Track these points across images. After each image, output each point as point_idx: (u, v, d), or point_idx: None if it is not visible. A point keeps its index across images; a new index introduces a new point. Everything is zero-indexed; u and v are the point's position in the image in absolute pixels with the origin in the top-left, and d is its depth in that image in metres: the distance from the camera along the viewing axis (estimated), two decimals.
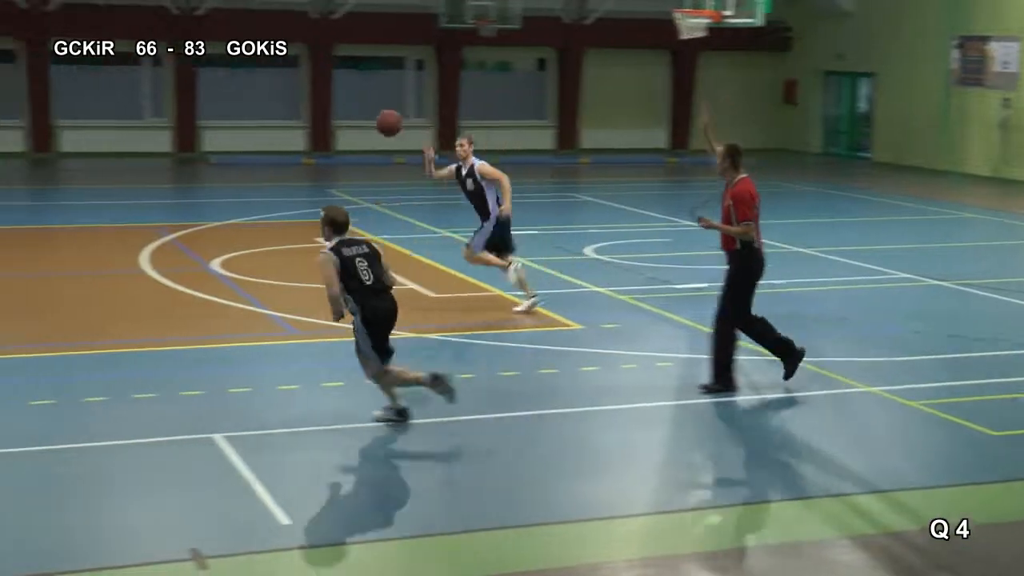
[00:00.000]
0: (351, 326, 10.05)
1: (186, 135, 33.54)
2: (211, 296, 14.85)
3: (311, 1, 33.93)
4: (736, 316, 10.95)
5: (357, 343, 10.02)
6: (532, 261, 17.55)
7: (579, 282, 16.21)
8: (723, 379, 11.02)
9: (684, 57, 37.13)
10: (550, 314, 14.25)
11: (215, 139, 33.72)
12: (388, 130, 12.40)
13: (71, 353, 12.40)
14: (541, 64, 37.71)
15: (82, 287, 15.72)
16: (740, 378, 11.19)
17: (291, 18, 33.72)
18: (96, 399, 10.58)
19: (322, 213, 10.12)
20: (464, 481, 9.01)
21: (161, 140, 33.59)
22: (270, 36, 33.42)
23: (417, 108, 36.06)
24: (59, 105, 32.45)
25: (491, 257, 14.57)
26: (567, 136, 36.97)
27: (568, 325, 13.73)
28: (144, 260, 17.17)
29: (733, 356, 11.04)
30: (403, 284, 15.92)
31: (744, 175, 10.75)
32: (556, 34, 36.25)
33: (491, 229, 14.42)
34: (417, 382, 10.10)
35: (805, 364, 11.42)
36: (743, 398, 11.05)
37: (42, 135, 32.32)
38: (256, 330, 13.47)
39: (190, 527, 8.01)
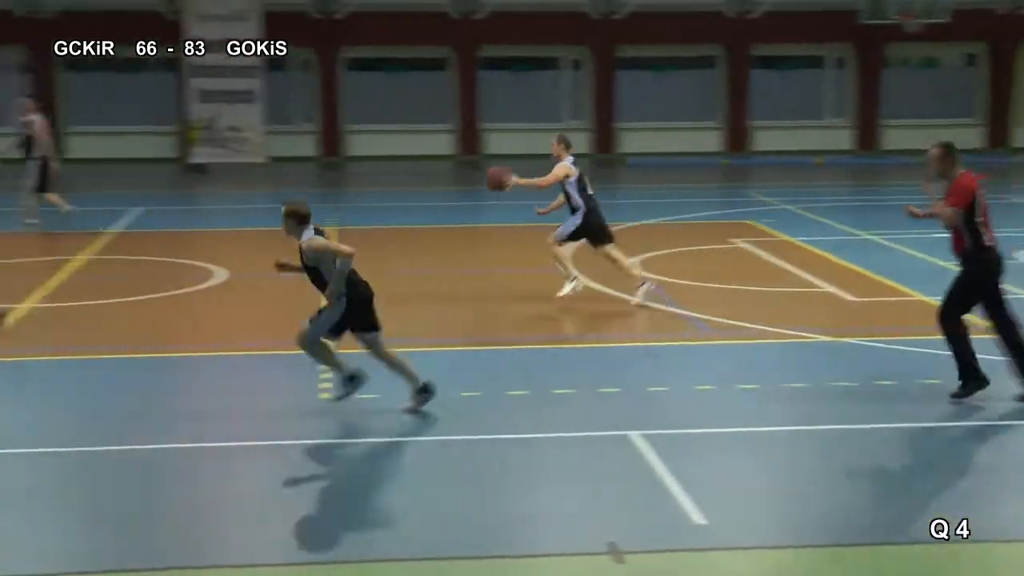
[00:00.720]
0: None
1: (604, 137, 34.27)
2: (628, 295, 15.07)
3: (727, 2, 33.86)
4: (946, 313, 10.52)
5: (319, 318, 10.09)
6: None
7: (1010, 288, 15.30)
8: (974, 381, 10.49)
9: None
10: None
11: (632, 141, 34.26)
12: (495, 185, 13.88)
13: (493, 348, 12.93)
14: (970, 59, 35.99)
15: (502, 286, 16.25)
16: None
17: (708, 19, 33.77)
18: (518, 393, 10.95)
19: (284, 208, 10.07)
20: (867, 490, 8.71)
21: (579, 142, 34.40)
22: (685, 38, 33.68)
23: (836, 108, 35.26)
24: (486, 109, 33.91)
25: (566, 253, 14.55)
26: (998, 134, 35.10)
27: None
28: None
29: (973, 351, 10.50)
30: (821, 287, 15.61)
31: (963, 170, 10.44)
32: (988, 27, 34.47)
33: (577, 222, 14.39)
34: (339, 368, 10.23)
35: None
36: None
37: (470, 138, 33.90)
38: (672, 330, 13.55)
39: (606, 521, 8.12)
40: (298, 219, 10.04)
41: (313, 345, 10.21)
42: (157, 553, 7.65)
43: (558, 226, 14.59)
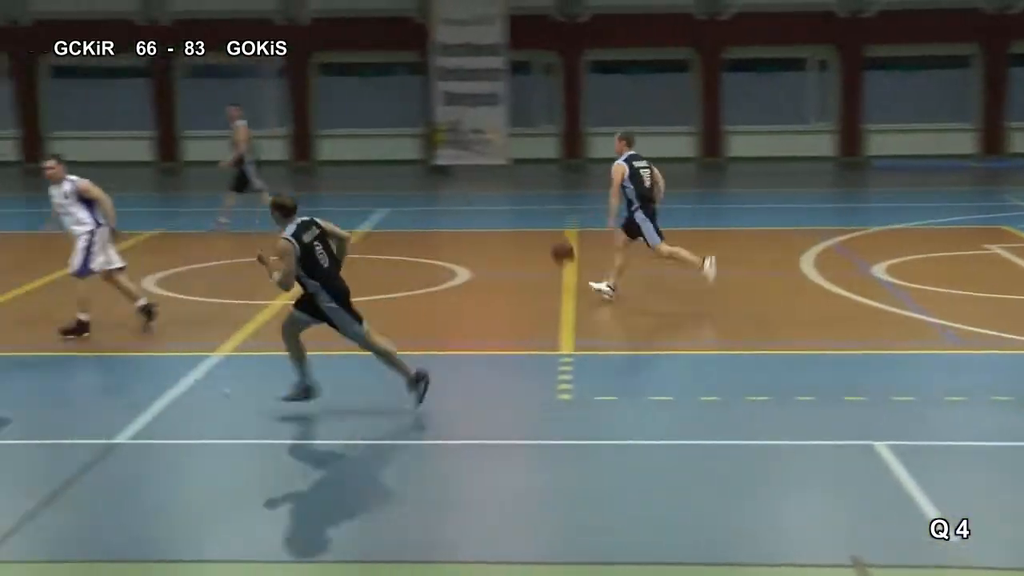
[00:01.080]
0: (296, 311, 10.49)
1: (850, 139, 33.44)
2: (875, 302, 14.66)
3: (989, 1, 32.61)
4: None
5: (333, 322, 10.38)
6: None
7: None
8: None
9: None
10: None
11: (880, 142, 33.32)
12: (559, 255, 14.02)
13: (739, 352, 12.76)
14: None
15: (746, 289, 15.99)
16: None
17: (962, 17, 32.55)
18: (759, 398, 10.78)
19: (270, 199, 10.50)
20: None
21: (824, 144, 33.71)
22: (937, 37, 32.57)
23: None
24: (729, 111, 33.51)
25: (678, 251, 14.78)
26: None
27: None
28: (807, 264, 17.29)
29: None
30: None
31: None
32: None
33: (647, 219, 14.58)
34: (399, 364, 10.44)
35: None
36: None
37: (712, 140, 33.59)
38: (920, 338, 13.13)
39: (850, 533, 7.93)
40: (283, 212, 10.36)
41: (375, 345, 10.46)
42: (403, 546, 7.84)
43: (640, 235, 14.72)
